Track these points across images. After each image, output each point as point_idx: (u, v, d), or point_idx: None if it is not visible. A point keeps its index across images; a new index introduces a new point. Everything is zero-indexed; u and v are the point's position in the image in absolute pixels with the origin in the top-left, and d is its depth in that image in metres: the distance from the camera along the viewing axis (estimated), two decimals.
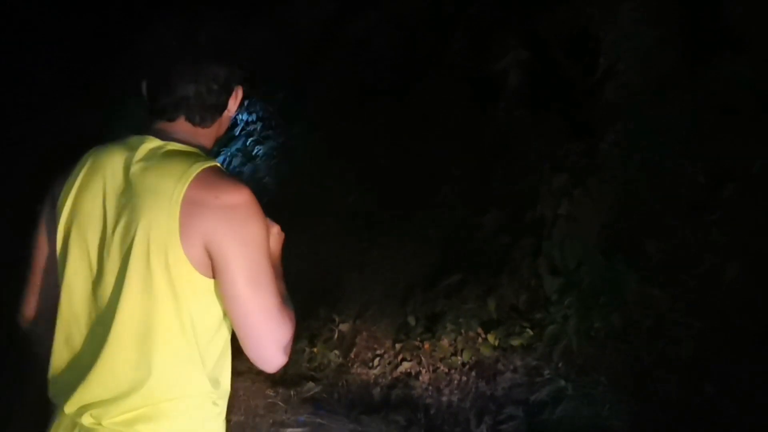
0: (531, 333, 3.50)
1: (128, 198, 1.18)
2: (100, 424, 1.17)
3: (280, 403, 4.12)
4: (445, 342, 3.85)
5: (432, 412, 3.54)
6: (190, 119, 1.29)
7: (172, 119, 1.28)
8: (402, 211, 4.72)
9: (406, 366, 3.85)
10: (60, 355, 1.22)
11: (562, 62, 4.14)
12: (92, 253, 1.20)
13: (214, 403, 1.26)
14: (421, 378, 3.79)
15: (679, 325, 3.08)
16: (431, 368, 3.80)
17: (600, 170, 3.60)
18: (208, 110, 1.29)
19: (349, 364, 4.13)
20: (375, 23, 5.98)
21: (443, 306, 3.92)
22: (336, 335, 4.38)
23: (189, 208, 1.15)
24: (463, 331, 3.78)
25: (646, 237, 3.35)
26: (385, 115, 5.62)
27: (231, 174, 1.28)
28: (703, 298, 3.18)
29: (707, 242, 3.26)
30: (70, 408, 1.18)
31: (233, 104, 1.34)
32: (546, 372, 3.31)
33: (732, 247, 3.16)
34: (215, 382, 1.25)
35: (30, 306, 1.33)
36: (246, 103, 6.17)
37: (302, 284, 5.21)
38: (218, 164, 1.24)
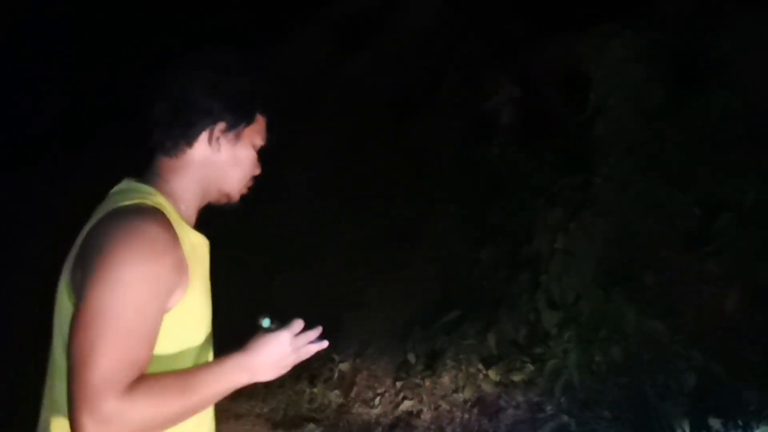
0: (532, 368, 3.49)
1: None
2: None
3: None
4: (446, 379, 3.82)
5: None
6: (160, 146, 1.20)
7: (152, 152, 1.21)
8: (399, 249, 4.74)
9: (407, 404, 3.82)
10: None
11: (553, 99, 4.22)
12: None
13: None
14: (422, 416, 3.75)
15: (680, 357, 3.07)
16: (433, 406, 3.76)
17: (594, 204, 3.63)
18: (173, 134, 1.18)
19: (350, 404, 4.09)
20: (369, 63, 6.08)
21: (443, 342, 3.91)
22: (336, 375, 4.34)
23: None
24: (463, 367, 3.76)
25: (643, 269, 3.37)
26: (380, 154, 5.68)
27: (147, 216, 1.08)
28: (704, 329, 3.18)
29: (704, 273, 3.28)
30: None
31: (210, 142, 1.20)
32: (548, 408, 3.29)
33: (729, 277, 3.18)
34: None
35: None
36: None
37: (294, 313, 5.18)
38: (144, 204, 1.10)
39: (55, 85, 7.48)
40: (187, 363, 1.14)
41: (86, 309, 1.00)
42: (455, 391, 3.78)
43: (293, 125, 7.13)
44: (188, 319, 1.15)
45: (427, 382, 3.91)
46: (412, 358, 4.03)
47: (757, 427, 2.74)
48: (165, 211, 1.12)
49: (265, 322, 1.21)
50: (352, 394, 4.14)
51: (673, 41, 3.79)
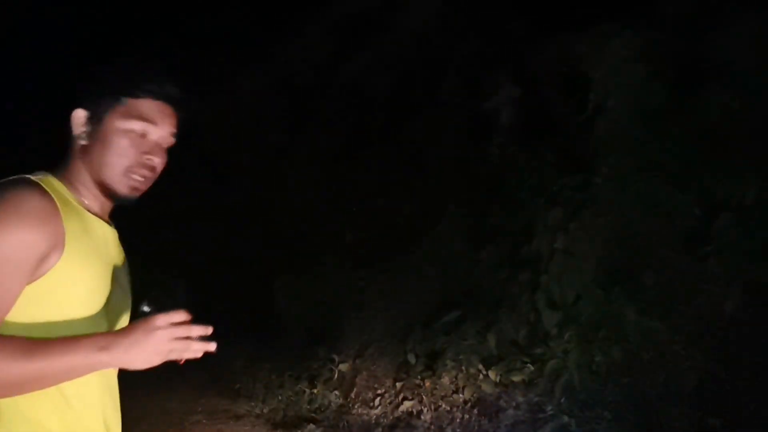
0: (532, 368, 3.48)
1: None
2: None
3: None
4: (446, 379, 3.81)
5: None
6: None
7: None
8: (399, 249, 4.74)
9: (407, 405, 3.81)
10: None
11: (553, 99, 4.21)
12: None
13: None
14: (422, 417, 3.75)
15: (680, 357, 3.06)
16: (433, 407, 3.76)
17: (594, 204, 3.62)
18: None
19: (350, 405, 4.09)
20: (369, 63, 6.08)
21: (443, 343, 3.91)
22: (336, 375, 4.34)
23: None
24: (463, 367, 3.76)
25: (643, 269, 3.36)
26: (380, 154, 5.68)
27: (21, 186, 1.10)
28: (704, 328, 3.17)
29: (704, 273, 3.27)
30: None
31: (75, 128, 1.18)
32: (549, 408, 3.28)
33: (729, 277, 3.17)
34: None
35: None
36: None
37: (301, 325, 5.19)
38: (23, 178, 1.13)
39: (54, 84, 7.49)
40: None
41: None
42: (455, 391, 3.77)
43: (293, 125, 7.14)
44: (61, 291, 1.12)
45: (427, 383, 3.90)
46: (412, 358, 4.02)
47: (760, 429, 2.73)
48: (49, 188, 1.13)
49: (145, 308, 1.13)
50: (352, 395, 4.14)
51: (673, 41, 3.78)
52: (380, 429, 3.79)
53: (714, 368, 2.96)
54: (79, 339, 1.07)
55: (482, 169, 4.42)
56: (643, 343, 3.16)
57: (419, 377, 3.93)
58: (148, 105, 1.19)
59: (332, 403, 4.18)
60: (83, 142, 1.18)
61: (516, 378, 3.55)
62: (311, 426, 4.15)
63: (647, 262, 3.40)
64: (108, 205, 1.24)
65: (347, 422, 3.96)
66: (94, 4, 7.74)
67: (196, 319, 1.13)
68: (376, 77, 5.95)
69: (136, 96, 1.17)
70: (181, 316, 1.11)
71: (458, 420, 3.63)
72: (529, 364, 3.52)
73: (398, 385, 3.96)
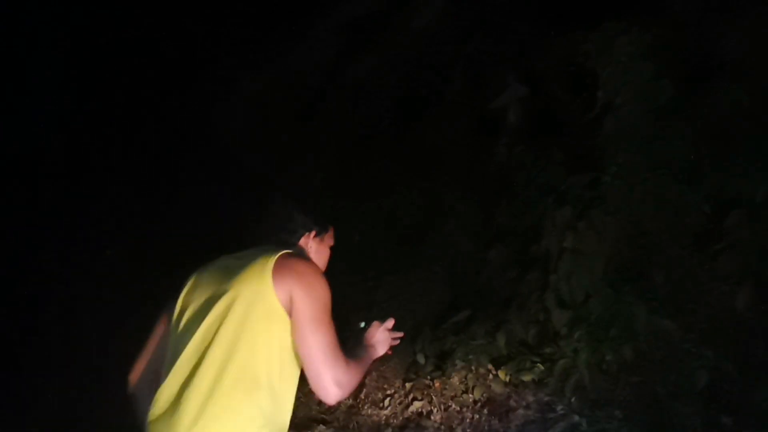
0: (542, 368, 3.47)
1: (223, 279, 1.73)
2: None
3: None
4: (455, 379, 3.81)
5: None
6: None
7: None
8: (408, 249, 4.73)
9: (417, 405, 3.81)
10: (156, 399, 1.65)
11: (560, 97, 4.20)
12: (192, 316, 1.71)
13: (270, 413, 1.64)
14: (432, 417, 3.74)
15: (691, 355, 3.04)
16: (443, 407, 3.75)
17: (603, 203, 3.60)
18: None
19: (360, 405, 4.09)
20: (376, 63, 6.08)
21: (452, 343, 3.90)
22: None
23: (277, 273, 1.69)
24: (473, 367, 3.75)
25: (653, 268, 3.34)
26: (388, 154, 5.67)
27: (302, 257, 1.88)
28: (715, 327, 3.15)
29: (715, 271, 3.25)
30: None
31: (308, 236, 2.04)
32: (559, 407, 3.27)
33: (740, 274, 3.15)
34: (277, 403, 1.67)
35: (137, 372, 1.86)
36: None
37: None
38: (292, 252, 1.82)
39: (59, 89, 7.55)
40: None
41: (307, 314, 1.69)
42: (465, 391, 3.76)
43: (301, 125, 7.14)
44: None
45: (437, 383, 3.90)
46: (421, 358, 4.02)
47: None
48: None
49: (362, 324, 2.05)
50: (362, 395, 4.14)
51: (681, 38, 3.76)
52: (390, 429, 3.79)
53: (726, 366, 2.94)
54: (366, 351, 1.93)
55: (490, 169, 4.41)
56: (654, 341, 3.14)
57: (429, 377, 3.93)
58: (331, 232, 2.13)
59: (342, 404, 4.18)
60: (313, 246, 2.03)
61: (526, 378, 3.54)
62: (321, 427, 4.15)
63: (657, 261, 3.38)
64: None
65: (357, 423, 3.96)
66: (104, 3, 7.76)
67: None
68: (382, 77, 5.95)
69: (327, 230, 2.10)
70: (390, 323, 2.03)
71: (468, 420, 3.62)
72: (539, 364, 3.51)
73: (408, 385, 3.96)
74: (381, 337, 1.98)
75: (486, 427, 3.49)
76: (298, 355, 1.66)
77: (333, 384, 1.61)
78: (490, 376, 3.72)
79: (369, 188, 5.54)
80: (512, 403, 3.53)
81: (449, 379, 3.84)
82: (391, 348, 2.02)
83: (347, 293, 4.99)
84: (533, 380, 3.51)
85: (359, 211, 5.63)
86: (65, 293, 6.13)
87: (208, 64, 7.68)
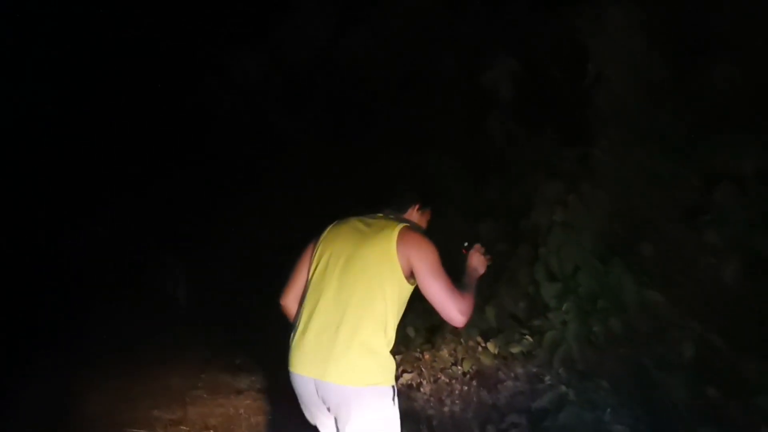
0: (530, 340, 3.50)
1: (359, 240, 2.27)
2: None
3: (281, 419, 4.10)
4: (445, 352, 3.83)
5: (435, 423, 3.51)
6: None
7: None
8: None
9: (407, 377, 3.84)
10: (303, 326, 2.25)
11: (552, 71, 4.17)
12: (332, 265, 2.27)
13: (386, 345, 2.23)
14: (422, 389, 3.77)
15: (678, 327, 3.07)
16: (432, 379, 3.78)
17: (593, 176, 3.60)
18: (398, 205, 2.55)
19: None
20: (368, 39, 6.03)
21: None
22: None
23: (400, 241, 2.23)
24: (462, 340, 3.77)
25: (642, 241, 3.35)
26: (379, 130, 5.65)
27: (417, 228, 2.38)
28: (702, 299, 3.17)
29: (703, 244, 3.26)
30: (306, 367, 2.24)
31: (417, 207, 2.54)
32: (547, 378, 3.30)
33: (728, 248, 3.16)
34: (389, 338, 2.24)
35: (288, 294, 2.42)
36: None
37: None
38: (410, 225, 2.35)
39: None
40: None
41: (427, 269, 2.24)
42: (454, 363, 3.79)
43: (292, 104, 7.09)
44: None
45: (427, 356, 3.92)
46: (411, 332, 4.04)
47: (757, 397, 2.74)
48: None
49: (465, 244, 2.59)
50: None
51: (673, 10, 3.73)
52: None
53: (712, 338, 2.96)
54: (470, 276, 2.46)
55: (481, 143, 4.39)
56: (641, 314, 3.16)
57: (419, 350, 3.95)
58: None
59: None
60: (415, 216, 2.52)
61: (515, 350, 3.56)
62: None
63: (646, 234, 3.39)
64: None
65: None
66: None
67: None
68: (374, 53, 5.90)
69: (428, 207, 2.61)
70: (481, 248, 2.57)
71: (457, 392, 3.65)
72: (527, 336, 3.54)
73: (398, 358, 3.98)
74: (477, 261, 2.50)
75: (475, 399, 3.52)
76: (402, 302, 2.27)
77: (457, 312, 2.20)
78: (479, 348, 3.75)
79: (360, 163, 5.53)
80: (501, 374, 3.56)
81: (439, 351, 3.87)
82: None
83: None
84: (522, 352, 3.54)
85: (349, 186, 5.62)
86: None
87: (196, 43, 7.62)
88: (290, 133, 6.97)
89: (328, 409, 2.24)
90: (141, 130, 8.28)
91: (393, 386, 2.24)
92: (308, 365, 2.22)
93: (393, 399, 2.22)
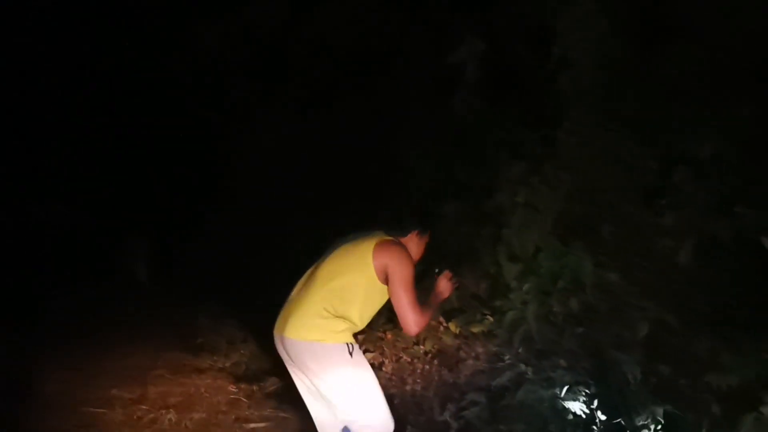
0: (491, 320, 3.53)
1: (346, 249, 2.77)
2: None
3: (242, 398, 4.09)
4: None
5: (396, 401, 3.54)
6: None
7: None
8: (363, 204, 4.71)
9: (369, 357, 3.85)
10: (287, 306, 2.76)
11: (518, 52, 4.18)
12: (320, 263, 2.80)
13: (343, 320, 2.64)
14: (384, 368, 3.79)
15: (634, 307, 3.13)
16: (394, 358, 3.81)
17: (556, 158, 3.63)
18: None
19: None
20: (332, 18, 5.95)
21: None
22: None
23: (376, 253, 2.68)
24: None
25: (602, 222, 3.40)
26: (344, 111, 5.61)
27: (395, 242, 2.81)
28: (658, 281, 3.24)
29: (660, 226, 3.32)
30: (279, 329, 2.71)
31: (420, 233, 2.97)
32: (507, 357, 3.35)
33: (684, 230, 3.22)
34: (349, 318, 2.66)
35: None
36: None
37: (260, 272, 5.17)
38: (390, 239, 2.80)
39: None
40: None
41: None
42: (416, 343, 3.82)
43: (260, 82, 6.99)
44: None
45: (389, 335, 3.94)
46: None
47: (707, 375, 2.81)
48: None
49: (437, 270, 2.98)
50: None
51: None
52: None
53: (666, 318, 3.03)
54: (434, 298, 2.92)
55: (445, 124, 4.39)
56: (599, 294, 3.22)
57: (381, 330, 3.97)
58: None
59: None
60: (415, 239, 2.93)
61: (476, 329, 3.60)
62: (273, 378, 4.17)
63: (606, 216, 3.44)
64: None
65: None
66: None
67: None
68: (339, 31, 5.84)
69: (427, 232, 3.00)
70: (449, 275, 2.97)
71: (419, 371, 3.68)
72: (488, 316, 3.58)
73: (360, 337, 3.99)
74: (444, 286, 2.91)
75: (436, 377, 3.56)
76: (370, 295, 2.67)
77: (414, 324, 2.62)
78: (441, 328, 3.78)
79: (325, 145, 5.49)
80: (462, 354, 3.60)
81: (401, 331, 3.88)
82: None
83: (300, 243, 4.96)
84: (483, 332, 3.58)
85: (316, 168, 5.59)
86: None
87: (161, 17, 7.45)
88: (257, 110, 6.88)
89: (294, 363, 2.66)
90: (105, 106, 8.08)
91: (348, 343, 2.61)
92: (278, 324, 2.71)
93: (350, 354, 2.59)
